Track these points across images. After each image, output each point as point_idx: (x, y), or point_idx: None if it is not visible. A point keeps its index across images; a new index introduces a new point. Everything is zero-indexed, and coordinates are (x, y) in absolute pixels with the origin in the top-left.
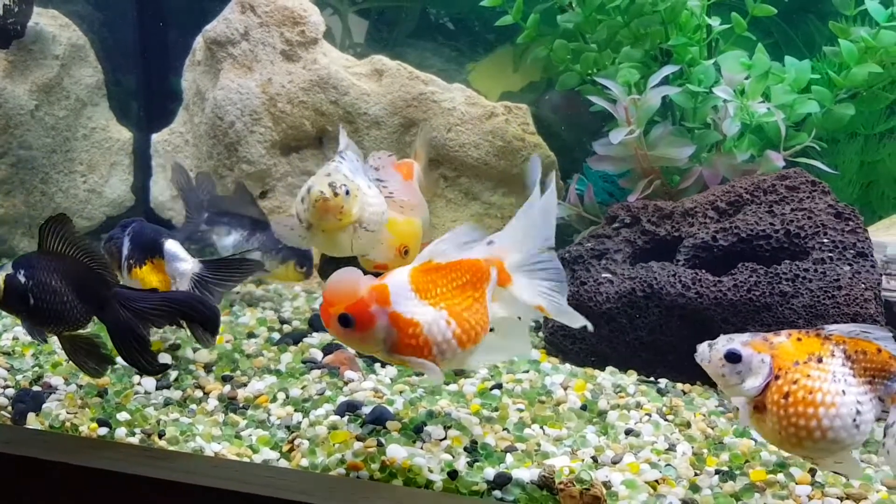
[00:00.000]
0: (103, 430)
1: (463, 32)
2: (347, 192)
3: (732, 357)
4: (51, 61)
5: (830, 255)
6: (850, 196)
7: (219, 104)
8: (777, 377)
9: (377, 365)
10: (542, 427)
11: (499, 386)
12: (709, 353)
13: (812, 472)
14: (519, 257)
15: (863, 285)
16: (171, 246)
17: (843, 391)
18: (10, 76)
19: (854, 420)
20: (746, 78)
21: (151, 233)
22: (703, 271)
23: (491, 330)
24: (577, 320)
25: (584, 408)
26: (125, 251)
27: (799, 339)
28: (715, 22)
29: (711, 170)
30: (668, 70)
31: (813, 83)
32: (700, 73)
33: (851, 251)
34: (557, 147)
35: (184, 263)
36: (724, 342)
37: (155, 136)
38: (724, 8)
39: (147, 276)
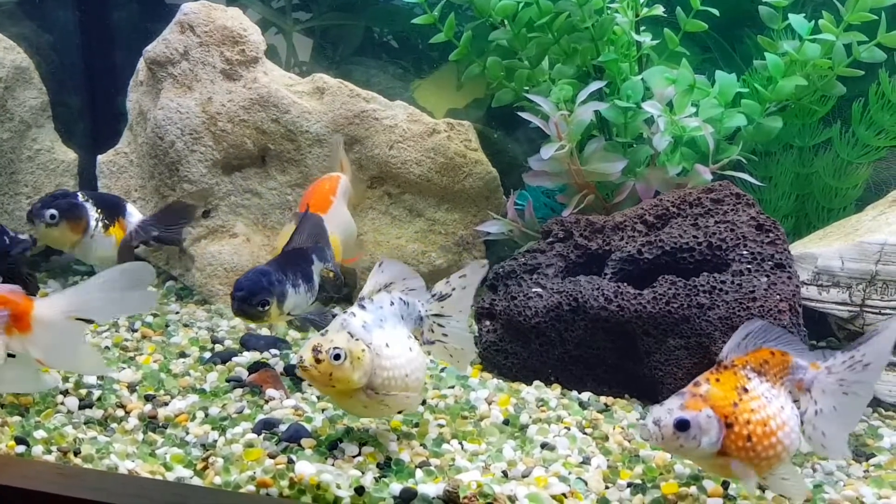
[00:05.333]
0: (21, 448)
1: (407, 50)
2: (338, 357)
3: (682, 425)
4: None
5: (749, 266)
6: (786, 208)
7: (159, 124)
8: (729, 425)
9: (305, 383)
10: (460, 442)
11: (422, 402)
12: (658, 431)
13: (725, 484)
14: (59, 313)
15: (777, 296)
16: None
17: (782, 406)
18: None
19: (798, 424)
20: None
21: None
22: (625, 284)
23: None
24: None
25: (506, 422)
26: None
27: (717, 380)
28: (646, 38)
29: (644, 184)
30: (595, 86)
31: (744, 97)
32: (628, 88)
33: (769, 263)
34: (505, 162)
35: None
36: (666, 414)
37: (100, 157)
38: (660, 24)
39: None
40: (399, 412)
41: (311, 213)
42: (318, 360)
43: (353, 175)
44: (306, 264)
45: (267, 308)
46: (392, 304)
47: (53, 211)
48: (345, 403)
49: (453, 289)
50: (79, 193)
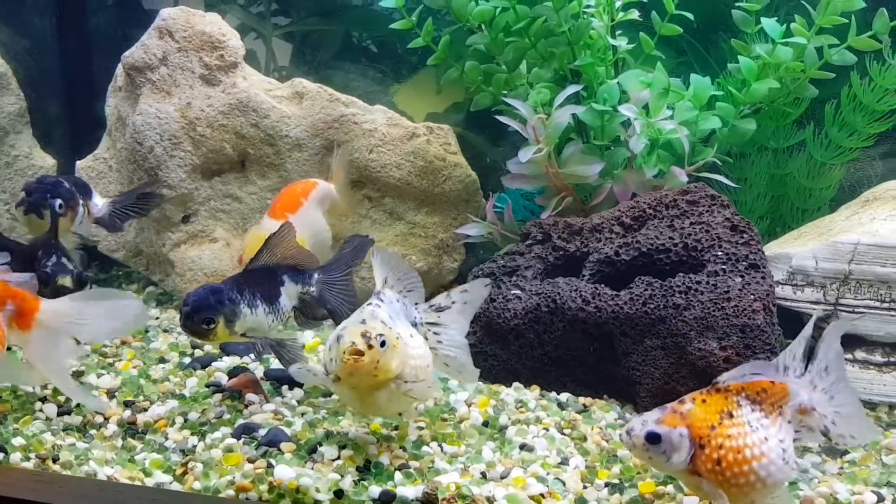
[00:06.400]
0: None
1: (386, 55)
2: (384, 345)
3: (653, 439)
4: None
5: (724, 267)
6: (761, 208)
7: (138, 129)
8: (702, 446)
9: (284, 388)
10: (440, 445)
11: None
12: (630, 440)
13: None
14: (60, 323)
15: (752, 296)
16: None
17: (766, 437)
18: None
19: (783, 458)
20: None
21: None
22: (603, 286)
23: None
24: (93, 403)
25: (485, 424)
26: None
27: (704, 401)
28: (621, 42)
29: (621, 186)
30: (572, 90)
31: (718, 100)
32: (604, 92)
33: (744, 263)
34: (485, 165)
35: None
36: (640, 426)
37: (79, 163)
38: (636, 28)
39: None
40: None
41: (286, 228)
42: (370, 346)
43: (343, 187)
44: (271, 284)
45: (213, 327)
46: (397, 300)
47: (61, 200)
48: (368, 400)
49: (453, 302)
50: (61, 180)
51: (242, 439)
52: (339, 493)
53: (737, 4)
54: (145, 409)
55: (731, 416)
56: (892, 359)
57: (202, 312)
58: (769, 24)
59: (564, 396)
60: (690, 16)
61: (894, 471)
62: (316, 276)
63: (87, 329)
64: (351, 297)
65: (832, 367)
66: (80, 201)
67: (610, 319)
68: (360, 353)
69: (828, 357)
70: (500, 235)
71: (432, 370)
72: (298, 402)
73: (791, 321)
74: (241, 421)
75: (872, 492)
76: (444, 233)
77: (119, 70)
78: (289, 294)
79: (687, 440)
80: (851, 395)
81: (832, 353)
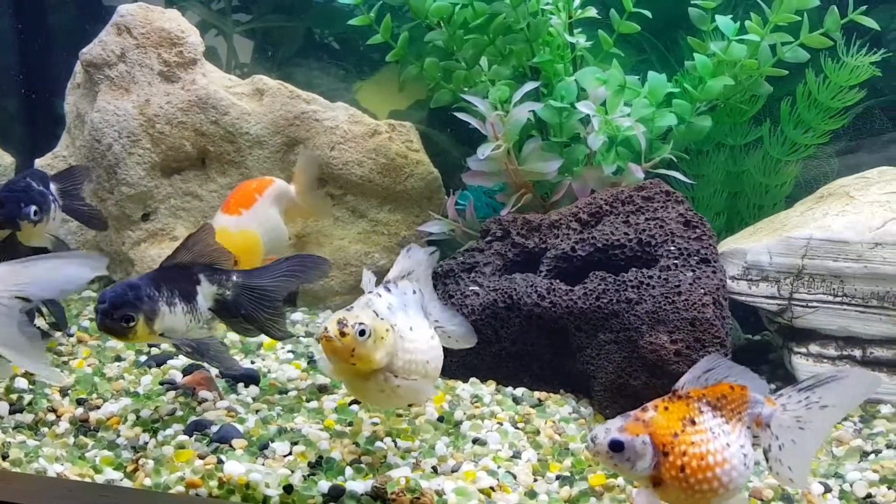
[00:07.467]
0: None
1: (349, 52)
2: (363, 333)
3: (616, 446)
4: None
5: (676, 261)
6: (718, 205)
7: (96, 126)
8: (665, 454)
9: (240, 385)
10: (394, 440)
11: (357, 401)
12: (594, 448)
13: None
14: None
15: (702, 290)
16: None
17: (728, 444)
18: None
19: (744, 463)
20: None
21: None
22: (558, 281)
23: None
24: (54, 377)
25: (440, 419)
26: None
27: (666, 409)
28: (579, 39)
29: (580, 183)
30: (529, 87)
31: (675, 97)
32: (562, 89)
33: (696, 258)
34: (448, 163)
35: None
36: (603, 434)
37: (38, 161)
38: (597, 25)
39: None
40: (410, 405)
41: (206, 228)
42: (342, 334)
43: (304, 189)
44: (188, 283)
45: (132, 325)
46: (414, 292)
47: (35, 206)
48: (360, 388)
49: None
50: (28, 180)
51: (194, 436)
52: (288, 489)
53: (693, 2)
54: (98, 407)
55: (693, 422)
56: (845, 352)
57: (121, 309)
58: (723, 21)
59: (520, 391)
60: (648, 13)
61: (843, 462)
62: (234, 278)
63: (33, 290)
64: (271, 306)
65: (831, 411)
66: (52, 198)
67: (564, 314)
68: (331, 339)
69: (824, 398)
70: (462, 232)
71: (438, 366)
72: (254, 399)
73: (747, 315)
74: (193, 418)
75: (820, 482)
76: (407, 230)
77: (78, 67)
78: (204, 294)
79: (650, 447)
80: (817, 443)
81: (834, 397)
